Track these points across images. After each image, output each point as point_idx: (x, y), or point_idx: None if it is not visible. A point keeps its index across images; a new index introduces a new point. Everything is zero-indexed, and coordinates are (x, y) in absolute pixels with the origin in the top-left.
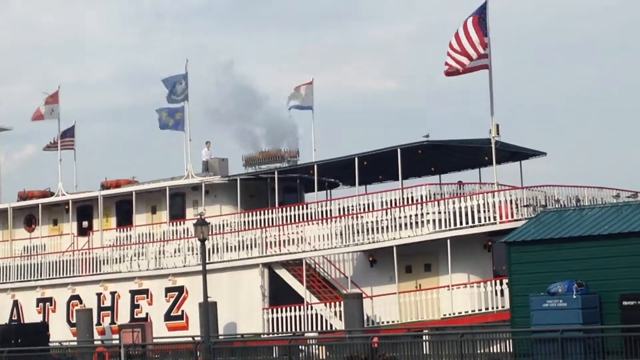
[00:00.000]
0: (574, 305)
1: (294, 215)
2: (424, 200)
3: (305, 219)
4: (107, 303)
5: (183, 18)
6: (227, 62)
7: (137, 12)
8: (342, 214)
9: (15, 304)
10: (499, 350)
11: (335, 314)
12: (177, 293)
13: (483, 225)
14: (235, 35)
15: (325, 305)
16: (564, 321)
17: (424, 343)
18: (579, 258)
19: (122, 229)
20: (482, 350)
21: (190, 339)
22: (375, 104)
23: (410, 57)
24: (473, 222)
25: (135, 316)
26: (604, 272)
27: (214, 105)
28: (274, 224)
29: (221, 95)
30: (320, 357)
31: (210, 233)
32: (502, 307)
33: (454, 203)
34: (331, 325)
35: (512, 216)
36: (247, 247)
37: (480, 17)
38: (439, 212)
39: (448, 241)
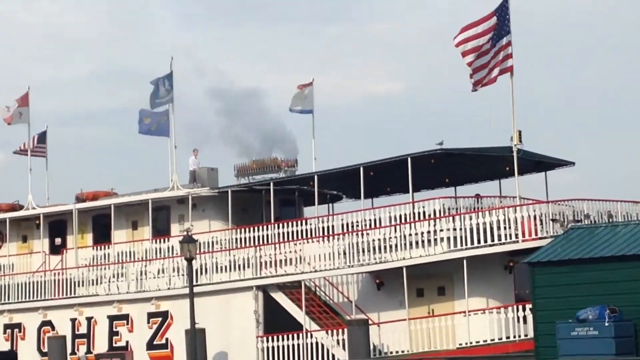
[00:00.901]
0: (606, 333)
1: (292, 232)
2: (438, 215)
3: (304, 236)
4: (83, 330)
5: (172, 14)
6: (219, 63)
7: (121, 7)
8: (345, 230)
9: None
10: None
11: (338, 343)
12: (160, 319)
13: (504, 243)
14: (227, 35)
15: (327, 332)
16: (594, 351)
17: None
18: (612, 281)
19: (99, 247)
20: None
21: None
22: (383, 107)
23: (421, 57)
24: (492, 240)
25: (114, 344)
26: (639, 297)
27: (202, 108)
28: (270, 241)
29: (211, 97)
30: None
31: (198, 251)
32: (525, 335)
33: (470, 219)
34: (333, 356)
35: (537, 234)
36: (239, 268)
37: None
38: (454, 229)
39: (464, 261)
